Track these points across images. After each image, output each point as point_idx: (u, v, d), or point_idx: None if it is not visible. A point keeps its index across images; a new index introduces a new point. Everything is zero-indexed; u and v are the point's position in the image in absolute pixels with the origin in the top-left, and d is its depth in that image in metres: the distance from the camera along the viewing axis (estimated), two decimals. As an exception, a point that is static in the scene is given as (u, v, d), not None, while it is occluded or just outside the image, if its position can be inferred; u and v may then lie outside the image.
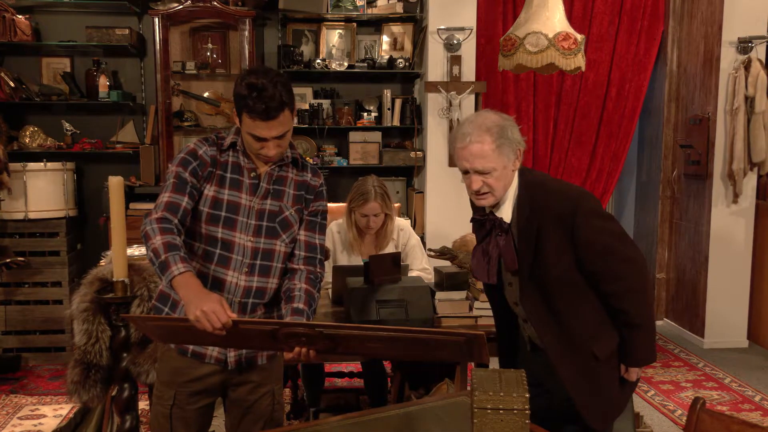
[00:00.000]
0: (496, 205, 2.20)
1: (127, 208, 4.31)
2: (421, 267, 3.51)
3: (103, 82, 5.01)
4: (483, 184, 2.13)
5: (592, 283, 2.22)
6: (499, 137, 2.10)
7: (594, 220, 2.17)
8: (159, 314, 2.16)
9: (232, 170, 2.15)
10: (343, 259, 3.50)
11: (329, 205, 4.22)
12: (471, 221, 2.32)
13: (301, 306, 2.13)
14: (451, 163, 4.97)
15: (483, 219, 2.23)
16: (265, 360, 2.24)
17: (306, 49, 5.25)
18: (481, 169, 2.11)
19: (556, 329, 2.23)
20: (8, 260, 4.37)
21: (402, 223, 3.61)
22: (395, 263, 2.94)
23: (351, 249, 3.51)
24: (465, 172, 2.16)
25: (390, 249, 3.49)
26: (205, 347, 2.15)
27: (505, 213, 2.19)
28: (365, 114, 5.24)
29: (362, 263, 3.32)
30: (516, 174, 2.19)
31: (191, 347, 2.15)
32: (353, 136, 5.22)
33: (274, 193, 2.18)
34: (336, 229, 3.56)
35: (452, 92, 4.90)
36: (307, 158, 5.13)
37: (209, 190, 2.13)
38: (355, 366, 4.34)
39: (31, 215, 4.66)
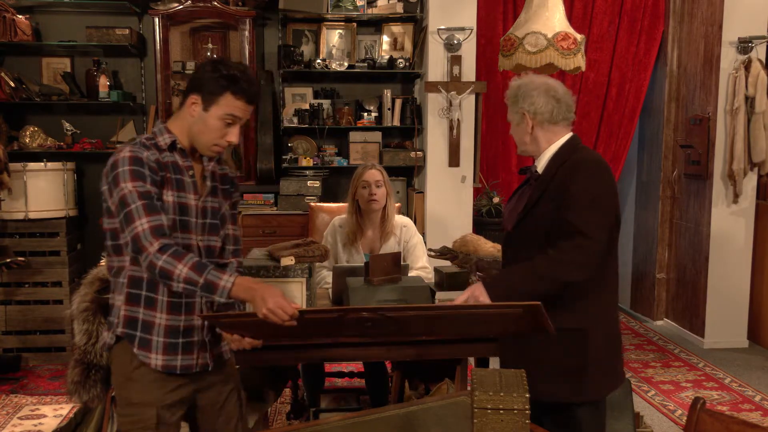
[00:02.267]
0: (539, 160, 2.39)
1: (127, 208, 4.30)
2: (420, 266, 3.51)
3: (103, 82, 5.02)
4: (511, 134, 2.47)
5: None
6: (510, 98, 2.41)
7: (594, 183, 2.25)
8: (131, 342, 2.07)
9: (174, 171, 2.08)
10: (345, 255, 3.51)
11: (330, 205, 4.28)
12: (519, 172, 2.61)
13: None
14: (451, 162, 4.98)
15: (526, 169, 2.45)
16: (228, 354, 2.25)
17: (306, 49, 5.25)
18: (509, 119, 2.45)
19: None
20: (8, 260, 4.38)
21: (405, 220, 3.63)
22: (395, 263, 2.94)
23: (353, 242, 3.51)
24: None
25: (392, 244, 3.50)
26: (191, 360, 2.10)
27: (541, 166, 2.38)
28: (365, 114, 5.24)
29: (363, 259, 3.34)
30: (565, 137, 2.37)
31: (179, 364, 2.08)
32: (353, 136, 5.22)
33: (212, 189, 2.18)
34: (338, 223, 3.58)
35: (452, 92, 4.90)
36: (307, 158, 5.14)
37: (167, 196, 2.05)
38: (355, 366, 4.35)
39: (32, 215, 4.66)
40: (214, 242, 2.17)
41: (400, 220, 3.60)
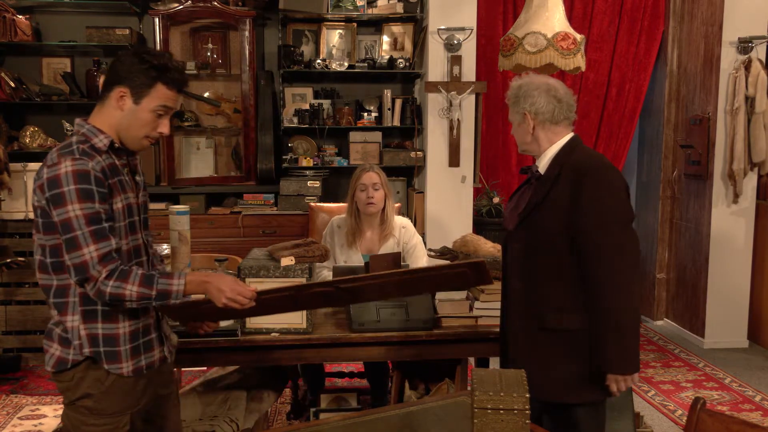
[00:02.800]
0: (540, 159, 2.40)
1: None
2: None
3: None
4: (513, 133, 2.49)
5: (580, 265, 2.25)
6: (511, 98, 2.42)
7: (603, 190, 2.24)
8: (99, 359, 2.00)
9: (114, 173, 2.00)
10: (343, 256, 3.50)
11: (329, 205, 4.28)
12: (520, 171, 2.61)
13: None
14: (451, 162, 4.98)
15: (527, 169, 2.47)
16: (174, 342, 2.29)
17: (306, 49, 5.25)
18: (510, 120, 2.47)
19: (524, 284, 2.36)
20: (8, 260, 4.37)
21: (405, 221, 3.63)
22: (395, 263, 2.93)
23: (352, 242, 3.50)
24: None
25: (391, 245, 3.50)
26: (152, 357, 2.10)
27: (542, 166, 2.39)
28: (365, 114, 5.24)
29: (362, 258, 3.33)
30: (566, 137, 2.38)
31: (144, 363, 2.07)
32: (353, 136, 5.22)
33: (143, 184, 2.17)
34: (337, 223, 3.58)
35: (452, 92, 4.90)
36: (308, 158, 5.14)
37: (117, 203, 1.99)
38: (355, 366, 4.35)
39: (32, 215, 4.65)
40: (148, 235, 2.17)
41: (400, 221, 3.60)
